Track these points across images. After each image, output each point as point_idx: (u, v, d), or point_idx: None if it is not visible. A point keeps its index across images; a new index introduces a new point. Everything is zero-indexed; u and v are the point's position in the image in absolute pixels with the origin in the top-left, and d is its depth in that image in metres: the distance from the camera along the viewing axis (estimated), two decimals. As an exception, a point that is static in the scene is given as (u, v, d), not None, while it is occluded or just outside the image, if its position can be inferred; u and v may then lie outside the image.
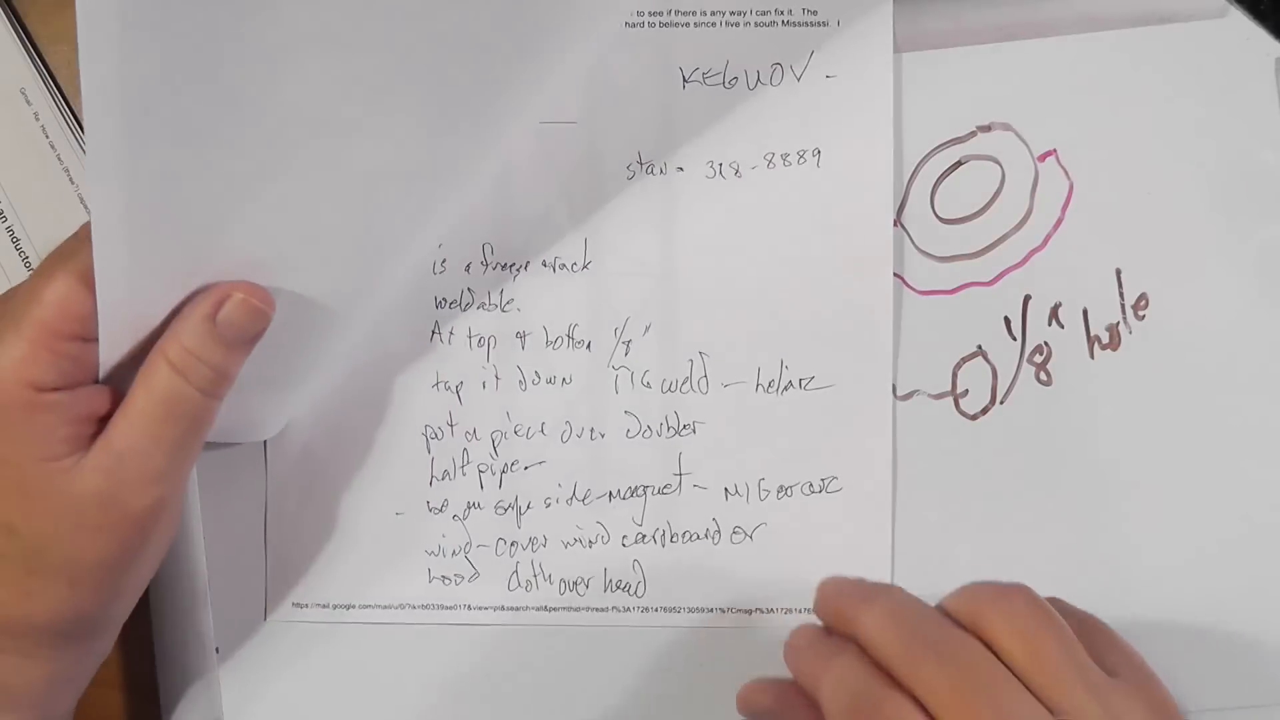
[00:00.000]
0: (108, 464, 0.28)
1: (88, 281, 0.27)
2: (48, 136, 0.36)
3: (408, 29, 0.26)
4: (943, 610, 0.29)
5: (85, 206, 0.36)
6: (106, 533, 0.28)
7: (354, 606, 0.35)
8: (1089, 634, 0.29)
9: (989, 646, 0.27)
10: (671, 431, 0.35)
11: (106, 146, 0.25)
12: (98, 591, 0.29)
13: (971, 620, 0.28)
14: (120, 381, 0.29)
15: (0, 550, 0.28)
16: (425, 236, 0.33)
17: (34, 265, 0.36)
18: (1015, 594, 0.28)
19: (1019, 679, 0.27)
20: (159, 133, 0.25)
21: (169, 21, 0.24)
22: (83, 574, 0.28)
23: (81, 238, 0.28)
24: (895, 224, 0.36)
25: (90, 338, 0.28)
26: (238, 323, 0.29)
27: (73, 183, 0.36)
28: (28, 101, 0.36)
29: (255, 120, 0.26)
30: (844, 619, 0.29)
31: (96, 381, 0.29)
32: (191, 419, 0.29)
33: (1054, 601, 0.29)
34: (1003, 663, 0.27)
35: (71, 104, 0.36)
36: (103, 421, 0.28)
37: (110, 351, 0.28)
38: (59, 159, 0.36)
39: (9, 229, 0.36)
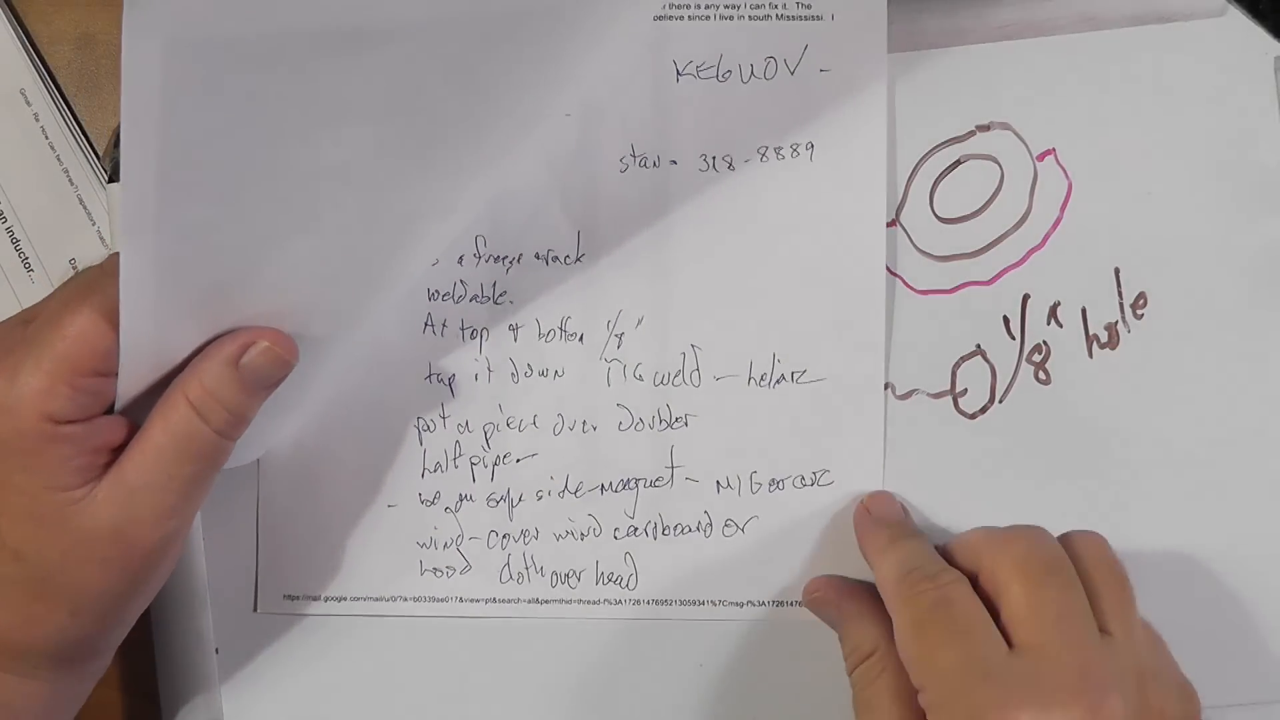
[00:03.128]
0: (119, 498, 0.28)
1: (111, 318, 0.27)
2: (47, 137, 0.36)
3: (444, 88, 0.27)
4: (950, 548, 0.33)
5: (85, 207, 0.37)
6: (113, 565, 0.28)
7: (346, 599, 0.35)
8: (1100, 590, 0.31)
9: (990, 582, 0.31)
10: (663, 424, 0.35)
11: (141, 198, 0.25)
12: (99, 620, 0.29)
13: (973, 557, 0.32)
14: (135, 414, 0.29)
15: (6, 574, 0.28)
16: (431, 256, 0.34)
17: (33, 266, 0.36)
18: (1022, 538, 0.32)
19: (1006, 614, 0.30)
20: (194, 188, 0.25)
21: (211, 86, 0.24)
22: (86, 603, 0.28)
23: (107, 270, 0.28)
24: (894, 224, 0.36)
25: (109, 373, 0.28)
26: (261, 369, 0.29)
27: (72, 184, 0.36)
28: (27, 102, 0.36)
29: (288, 177, 0.26)
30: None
31: (111, 412, 0.29)
32: (206, 458, 0.29)
33: (1092, 543, 0.32)
34: (1000, 599, 0.30)
35: (71, 105, 0.37)
36: (115, 452, 0.28)
37: (128, 385, 0.28)
38: (58, 160, 0.36)
39: (8, 229, 0.36)
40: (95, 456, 0.28)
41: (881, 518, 0.34)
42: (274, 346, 0.29)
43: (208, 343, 0.29)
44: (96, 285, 0.27)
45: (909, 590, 0.31)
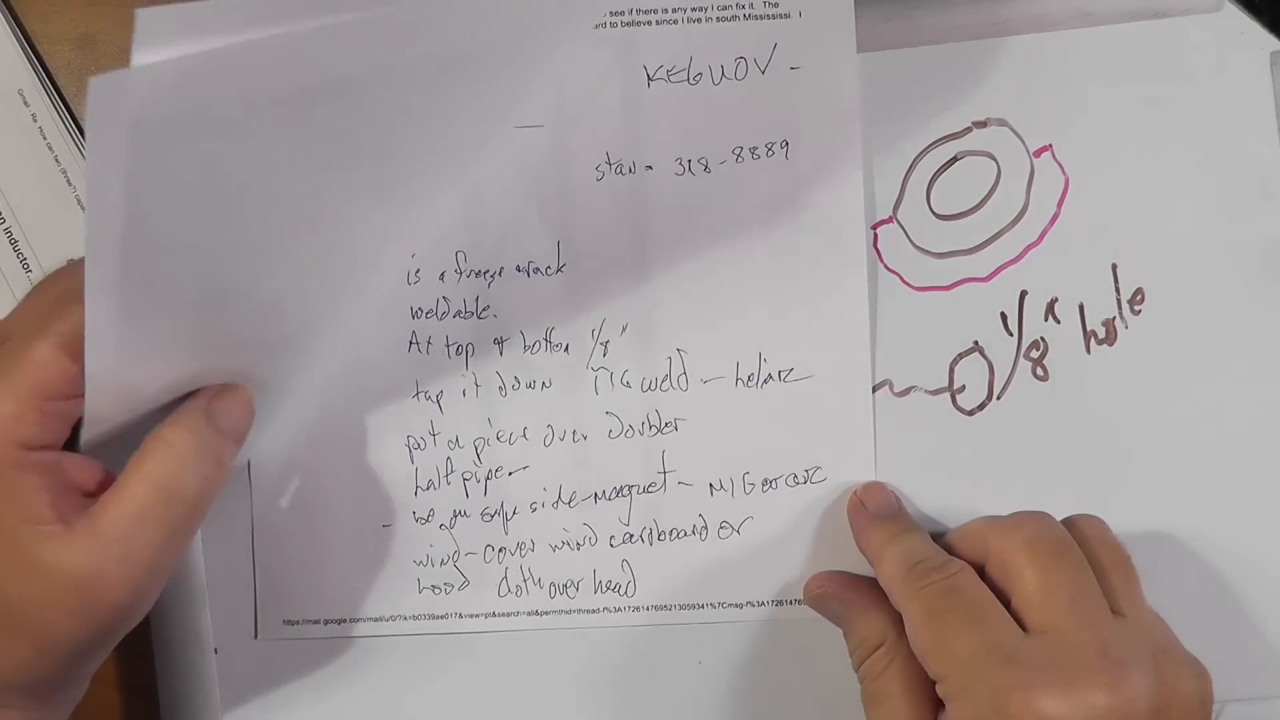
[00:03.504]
0: (91, 546, 0.27)
1: (71, 350, 0.27)
2: (45, 138, 0.36)
3: (401, 124, 0.26)
4: (952, 539, 0.33)
5: (83, 208, 0.36)
6: (80, 616, 0.27)
7: (345, 621, 0.35)
8: (1107, 571, 0.31)
9: (999, 568, 0.31)
10: (654, 430, 0.35)
11: (105, 263, 0.25)
12: (68, 661, 0.28)
13: (979, 545, 0.32)
14: (107, 461, 0.29)
15: None
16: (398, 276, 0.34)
17: (31, 266, 0.36)
18: (1028, 522, 0.32)
19: (1018, 598, 0.30)
20: (157, 249, 0.25)
21: (175, 155, 0.24)
22: (53, 645, 0.28)
23: (69, 294, 0.27)
24: (890, 220, 0.35)
25: (77, 395, 0.27)
26: (229, 413, 0.29)
27: (70, 184, 0.36)
28: (25, 103, 0.36)
29: (252, 227, 0.26)
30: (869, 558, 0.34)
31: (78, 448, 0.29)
32: (187, 508, 0.28)
33: (1095, 525, 0.32)
34: (1011, 584, 0.30)
35: (70, 105, 0.36)
36: (89, 497, 0.28)
37: (95, 421, 0.28)
38: (56, 160, 0.36)
39: (6, 230, 0.36)
40: (66, 494, 0.27)
41: (878, 511, 0.34)
42: (241, 393, 0.29)
43: (184, 397, 0.29)
44: (58, 313, 0.27)
45: (917, 582, 0.31)
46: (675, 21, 0.33)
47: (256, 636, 0.35)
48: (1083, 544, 0.31)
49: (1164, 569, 0.35)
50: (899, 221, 0.35)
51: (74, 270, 0.28)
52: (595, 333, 0.35)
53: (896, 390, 0.35)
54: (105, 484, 0.28)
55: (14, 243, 0.36)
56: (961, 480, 0.35)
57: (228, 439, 0.29)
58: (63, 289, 0.28)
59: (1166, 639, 0.30)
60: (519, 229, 0.34)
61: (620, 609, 0.35)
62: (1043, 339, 0.35)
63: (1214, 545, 0.35)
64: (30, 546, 0.27)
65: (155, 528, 0.27)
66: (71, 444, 0.29)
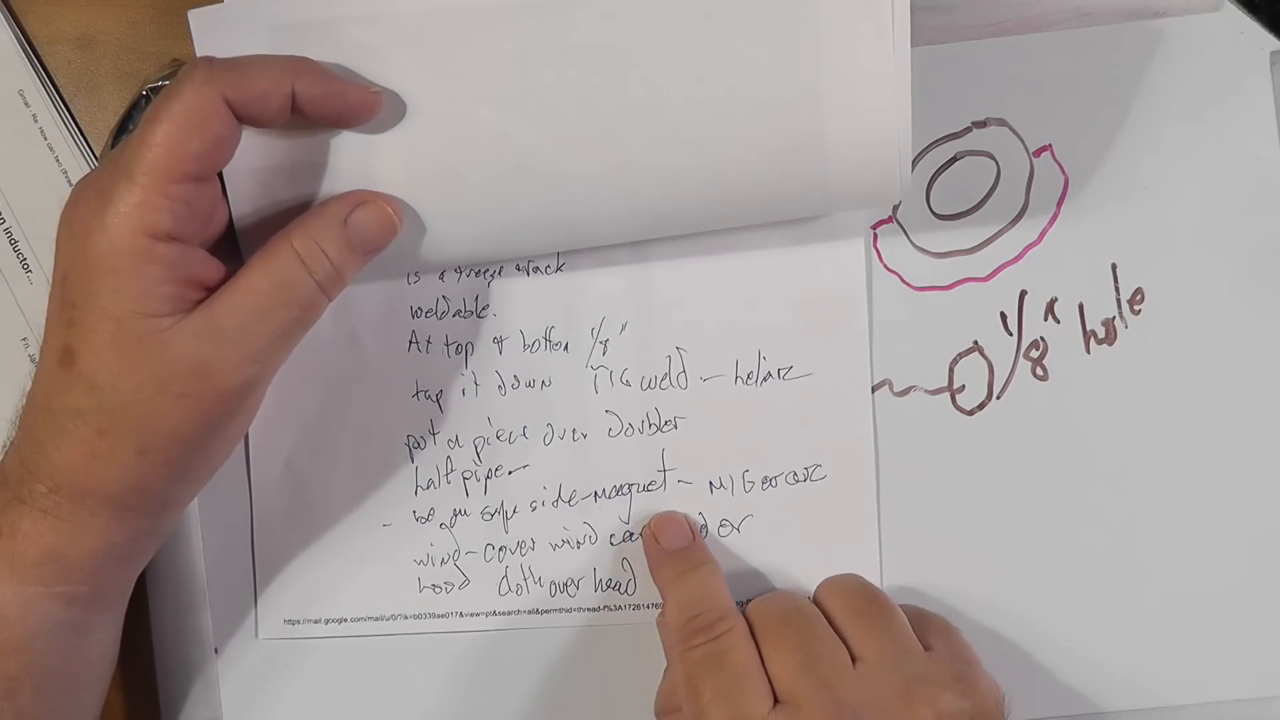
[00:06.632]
0: (207, 332, 0.27)
1: (189, 129, 0.27)
2: (46, 139, 0.36)
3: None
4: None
5: None
6: (188, 403, 0.27)
7: (346, 620, 0.36)
8: (921, 620, 0.33)
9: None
10: (653, 428, 0.35)
11: None
12: (165, 465, 0.28)
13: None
14: (234, 262, 0.29)
15: (77, 406, 0.27)
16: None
17: (31, 266, 0.36)
18: (761, 601, 0.33)
19: (768, 671, 0.31)
20: None
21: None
22: (154, 443, 0.28)
23: (183, 79, 0.27)
24: (890, 220, 0.35)
25: (201, 177, 0.27)
26: (366, 227, 0.29)
27: (70, 185, 0.36)
28: (26, 103, 0.36)
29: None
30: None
31: (211, 247, 0.29)
32: (302, 308, 0.29)
33: (838, 580, 0.34)
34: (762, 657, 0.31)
35: (70, 106, 0.36)
36: (207, 291, 0.28)
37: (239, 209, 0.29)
38: (57, 161, 0.36)
39: (7, 230, 0.36)
40: (186, 288, 0.27)
41: (669, 545, 0.34)
42: (383, 206, 0.29)
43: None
44: (168, 99, 0.27)
45: (684, 642, 0.31)
46: None
47: (256, 636, 0.36)
48: (824, 601, 0.32)
49: (1163, 568, 0.35)
50: (899, 221, 0.35)
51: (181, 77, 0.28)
52: (595, 331, 0.35)
53: (896, 390, 0.35)
54: (226, 281, 0.28)
55: (14, 243, 0.36)
56: (961, 480, 0.35)
57: (355, 252, 0.29)
58: (170, 87, 0.28)
59: (926, 667, 0.30)
60: (519, 228, 0.34)
61: (621, 607, 0.36)
62: (1042, 339, 0.35)
63: (1214, 544, 0.35)
64: (143, 340, 0.27)
65: (269, 321, 0.28)
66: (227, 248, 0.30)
